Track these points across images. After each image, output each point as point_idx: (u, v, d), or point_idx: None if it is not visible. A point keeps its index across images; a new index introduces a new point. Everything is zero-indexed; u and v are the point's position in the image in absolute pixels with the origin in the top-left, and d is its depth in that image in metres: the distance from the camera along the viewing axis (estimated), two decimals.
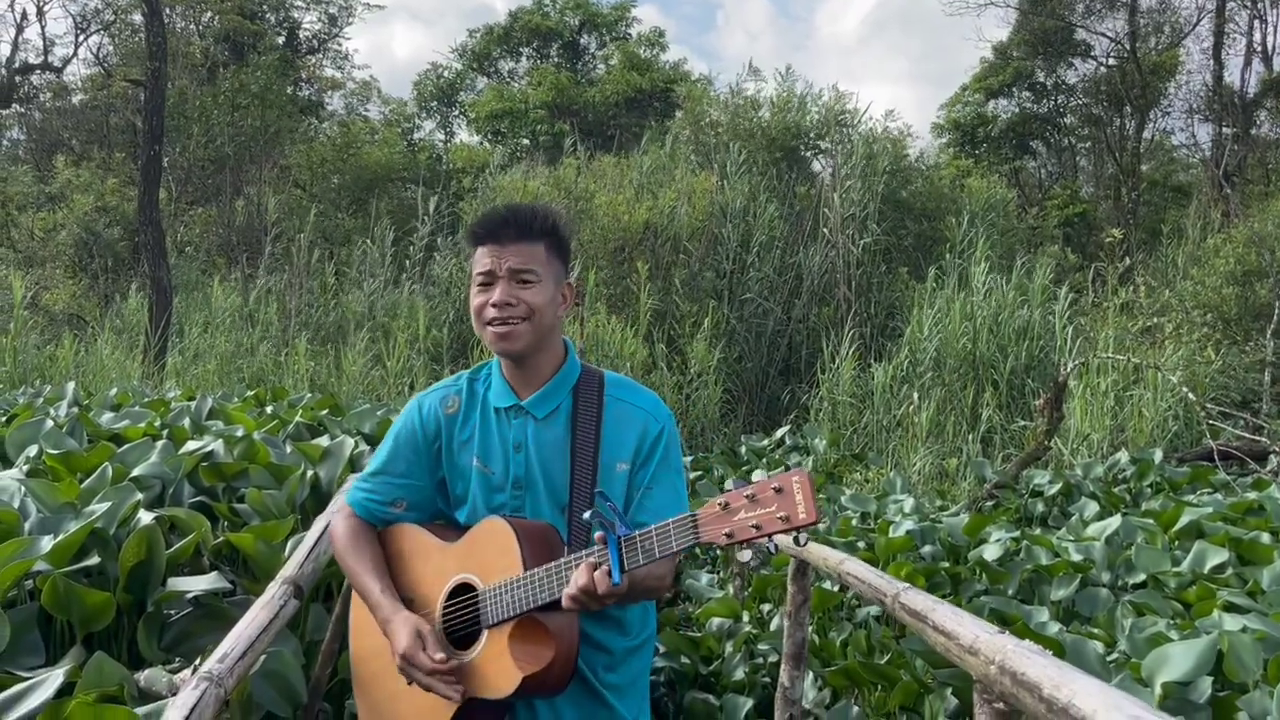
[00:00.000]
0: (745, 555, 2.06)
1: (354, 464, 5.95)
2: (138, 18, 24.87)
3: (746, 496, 1.94)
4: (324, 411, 8.11)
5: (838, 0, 69.50)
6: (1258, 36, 30.83)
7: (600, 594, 2.06)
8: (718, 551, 9.06)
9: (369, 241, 19.45)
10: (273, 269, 19.70)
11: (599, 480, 2.38)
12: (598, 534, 2.09)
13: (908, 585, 2.69)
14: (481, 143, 32.73)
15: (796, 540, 1.93)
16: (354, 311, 17.60)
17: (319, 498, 5.67)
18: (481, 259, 2.44)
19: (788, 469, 2.16)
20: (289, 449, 6.26)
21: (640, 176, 20.84)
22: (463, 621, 2.36)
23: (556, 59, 35.54)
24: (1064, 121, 33.99)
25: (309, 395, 10.10)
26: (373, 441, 6.85)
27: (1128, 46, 30.57)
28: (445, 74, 36.42)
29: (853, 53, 66.12)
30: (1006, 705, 1.76)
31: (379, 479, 2.60)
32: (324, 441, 6.31)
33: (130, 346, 16.01)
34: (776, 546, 1.95)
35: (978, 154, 32.11)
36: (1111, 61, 31.90)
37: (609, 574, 2.06)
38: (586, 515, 2.12)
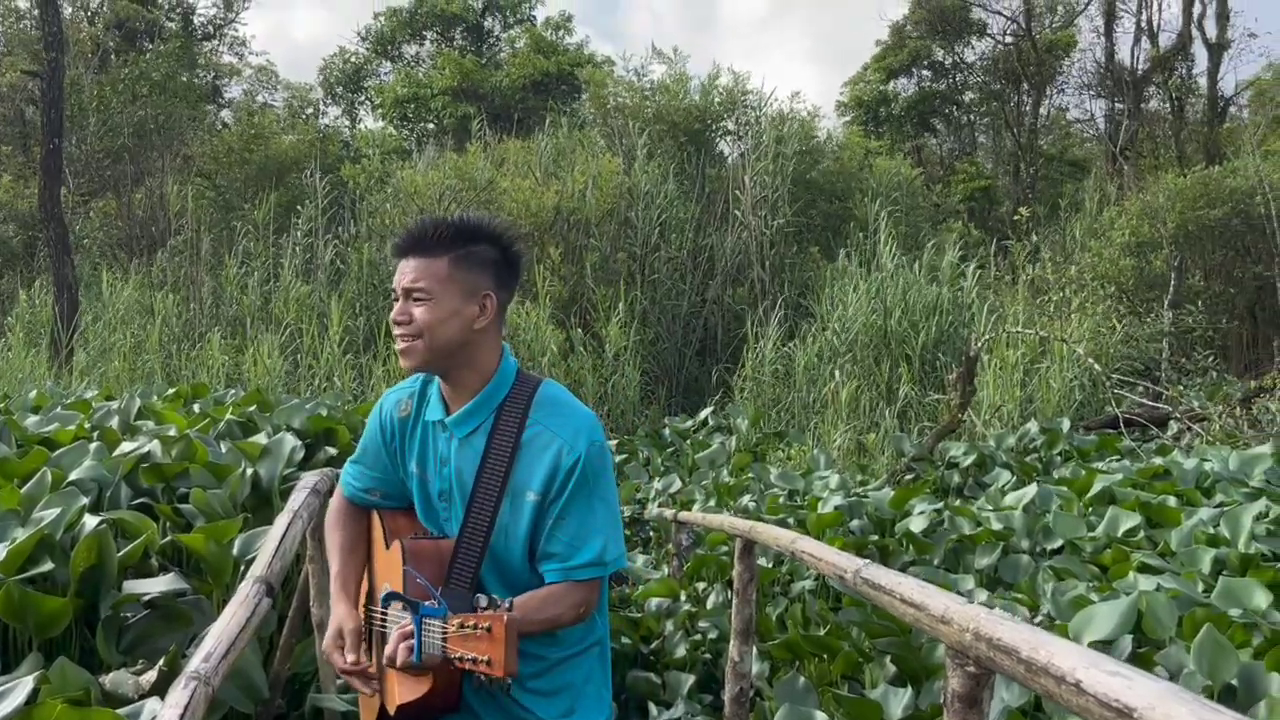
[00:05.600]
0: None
1: (291, 461, 6.00)
2: (22, 3, 24.09)
3: (471, 624, 2.05)
4: (251, 407, 8.08)
5: None
6: (1145, 15, 31.86)
7: (399, 666, 2.18)
8: (651, 531, 9.26)
9: (254, 231, 19.12)
10: (175, 263, 19.29)
11: (505, 506, 2.36)
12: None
13: (867, 561, 2.85)
14: (386, 128, 32.46)
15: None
16: (248, 306, 17.37)
17: (260, 496, 5.70)
18: (396, 274, 2.44)
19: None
20: (225, 448, 6.26)
21: (545, 160, 20.85)
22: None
23: (461, 42, 35.35)
24: (963, 99, 34.77)
25: (231, 391, 10.04)
26: (304, 436, 6.87)
27: (1023, 25, 31.47)
28: (352, 59, 36.05)
29: (756, 31, 66.50)
30: (979, 668, 1.93)
31: (357, 466, 2.69)
32: (261, 439, 6.32)
33: (30, 345, 15.67)
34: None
35: (881, 132, 32.69)
36: (1008, 39, 32.69)
37: (412, 650, 2.15)
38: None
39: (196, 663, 2.63)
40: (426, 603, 2.13)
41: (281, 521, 3.71)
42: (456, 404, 2.44)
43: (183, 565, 5.00)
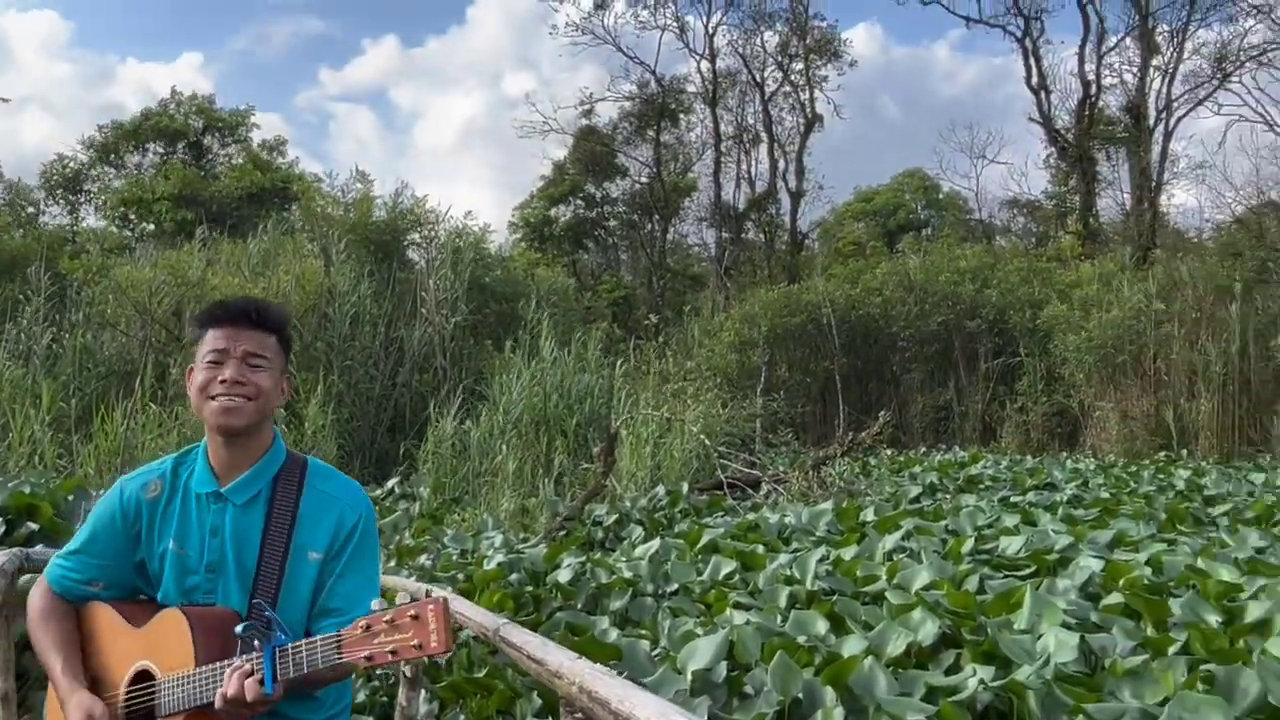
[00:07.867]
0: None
1: None
2: None
3: (386, 621, 1.75)
4: None
5: (433, 118, 69.82)
6: (744, 167, 34.67)
7: (250, 701, 1.84)
8: None
9: None
10: None
11: (288, 567, 2.13)
12: (256, 642, 1.87)
13: (506, 620, 2.82)
14: (109, 227, 30.14)
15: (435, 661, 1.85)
16: None
17: None
18: (214, 340, 2.17)
19: (426, 595, 1.97)
20: None
21: (254, 260, 20.09)
22: (144, 706, 2.08)
23: (182, 155, 33.44)
24: (609, 224, 36.37)
25: None
26: (5, 513, 6.09)
27: (655, 169, 33.43)
28: (71, 164, 33.26)
29: (447, 161, 66.50)
30: (585, 716, 1.95)
31: (78, 558, 2.24)
32: None
33: None
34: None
35: (544, 248, 33.55)
36: (644, 180, 34.58)
37: (261, 682, 1.83)
38: (239, 629, 1.88)
39: None
40: (278, 635, 1.85)
41: None
42: (231, 475, 2.19)
43: None
